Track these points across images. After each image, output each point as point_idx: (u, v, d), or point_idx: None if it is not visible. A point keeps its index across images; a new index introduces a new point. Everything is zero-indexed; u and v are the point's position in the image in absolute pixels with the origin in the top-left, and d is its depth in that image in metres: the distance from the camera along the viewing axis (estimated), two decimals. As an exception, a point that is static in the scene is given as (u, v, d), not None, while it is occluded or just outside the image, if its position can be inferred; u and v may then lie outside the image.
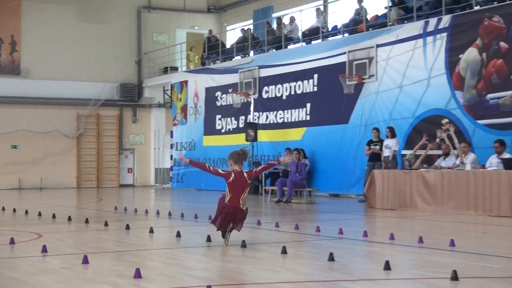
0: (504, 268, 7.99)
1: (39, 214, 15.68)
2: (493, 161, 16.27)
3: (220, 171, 10.01)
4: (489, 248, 9.80)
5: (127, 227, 12.59)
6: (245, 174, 9.68)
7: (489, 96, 19.12)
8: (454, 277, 6.93)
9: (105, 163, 34.04)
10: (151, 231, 11.87)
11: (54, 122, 32.59)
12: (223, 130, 29.42)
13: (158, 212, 16.45)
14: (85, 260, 8.07)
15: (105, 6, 33.98)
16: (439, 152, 18.83)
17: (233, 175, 9.51)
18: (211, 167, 10.29)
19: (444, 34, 20.35)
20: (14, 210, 16.81)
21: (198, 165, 11.06)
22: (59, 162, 32.75)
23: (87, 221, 13.92)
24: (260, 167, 10.70)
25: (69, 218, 14.48)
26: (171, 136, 33.19)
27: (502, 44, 18.83)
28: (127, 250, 9.73)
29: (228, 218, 9.25)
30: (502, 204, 15.06)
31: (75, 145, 33.24)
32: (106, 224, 13.16)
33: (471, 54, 19.60)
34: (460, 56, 19.84)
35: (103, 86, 33.61)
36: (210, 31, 33.88)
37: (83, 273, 7.58)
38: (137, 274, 7.08)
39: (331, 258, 8.33)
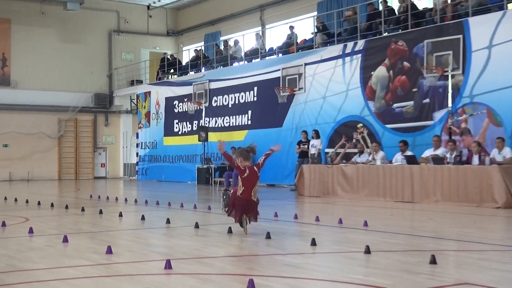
0: (406, 243, 8.19)
1: (27, 201, 15.49)
2: (398, 158, 16.58)
3: (240, 166, 9.07)
4: (395, 227, 10.01)
5: (100, 212, 12.56)
6: (255, 168, 9.09)
7: (395, 105, 19.43)
8: (367, 250, 7.09)
9: (81, 159, 33.79)
10: (120, 215, 11.86)
11: (39, 125, 32.26)
12: (179, 132, 29.34)
13: (126, 200, 16.38)
14: (65, 239, 8.08)
15: (82, 29, 33.70)
16: (355, 150, 19.08)
17: (247, 171, 8.83)
18: (235, 162, 9.31)
19: (359, 55, 20.61)
20: (5, 198, 16.55)
21: (227, 157, 10.00)
22: (43, 158, 32.42)
23: (66, 207, 13.83)
24: (262, 158, 9.82)
25: (52, 205, 14.38)
26: (137, 137, 33.10)
27: (405, 63, 19.16)
28: (100, 231, 9.71)
29: (242, 209, 8.64)
30: (405, 192, 15.36)
31: (57, 144, 32.93)
32: (82, 210, 13.12)
33: (380, 71, 19.89)
34: (372, 73, 20.12)
35: (80, 96, 33.34)
36: (165, 53, 34.01)
37: (63, 250, 7.58)
38: (109, 251, 7.13)
39: (268, 236, 8.47)
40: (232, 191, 9.14)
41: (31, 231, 9.05)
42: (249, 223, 8.67)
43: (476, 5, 18.08)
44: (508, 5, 17.51)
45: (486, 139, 16.39)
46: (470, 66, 17.44)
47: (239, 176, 9.01)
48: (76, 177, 33.08)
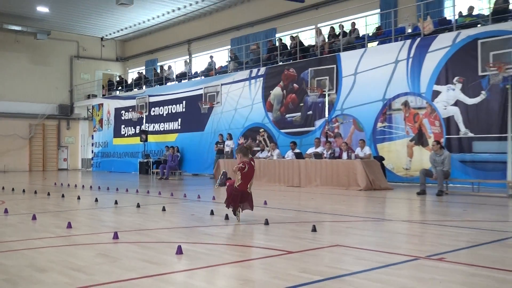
0: (295, 216, 8.30)
1: (3, 188, 14.78)
2: (289, 154, 16.84)
3: (241, 168, 7.71)
4: (286, 205, 10.13)
5: (63, 196, 12.16)
6: (253, 163, 7.89)
7: (287, 115, 19.74)
8: (266, 222, 7.16)
9: (48, 155, 32.71)
10: (79, 198, 11.51)
11: (14, 128, 31.02)
12: (125, 135, 28.85)
13: (83, 186, 15.91)
14: (34, 217, 7.83)
15: (49, 54, 32.66)
16: (259, 148, 19.25)
17: (247, 166, 7.67)
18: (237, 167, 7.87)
19: (261, 78, 20.82)
20: (-14, 186, 15.84)
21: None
22: (17, 154, 31.18)
23: (35, 192, 13.30)
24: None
25: (23, 191, 13.82)
26: (92, 138, 32.38)
27: (295, 85, 19.49)
28: (62, 210, 9.37)
29: (237, 200, 7.59)
30: (294, 179, 15.62)
31: (28, 144, 31.73)
32: (48, 194, 12.65)
33: (277, 90, 20.14)
34: (270, 91, 20.36)
35: (47, 106, 32.33)
36: (114, 76, 33.31)
37: (32, 226, 7.28)
38: (69, 225, 6.95)
39: (192, 214, 8.41)
40: (228, 184, 8.01)
41: (6, 211, 8.71)
42: (242, 212, 7.76)
43: (345, 43, 18.60)
44: (368, 44, 18.11)
45: (352, 141, 16.91)
46: (341, 88, 17.92)
47: (238, 171, 7.74)
48: (43, 169, 32.03)
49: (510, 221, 7.87)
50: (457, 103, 15.06)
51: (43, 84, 32.37)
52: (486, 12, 16.04)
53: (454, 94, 15.13)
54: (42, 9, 27.92)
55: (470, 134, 14.75)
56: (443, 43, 15.42)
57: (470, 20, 15.69)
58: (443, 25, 16.30)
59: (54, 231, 6.73)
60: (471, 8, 16.30)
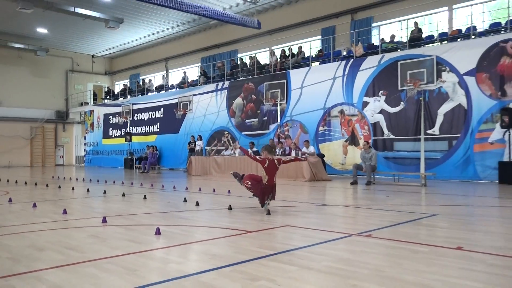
0: (254, 203, 8.26)
1: (7, 180, 14.29)
2: (248, 151, 16.85)
3: (257, 157, 7.38)
4: (247, 194, 10.10)
5: (59, 187, 11.82)
6: (275, 161, 7.31)
7: (247, 121, 19.76)
8: (230, 208, 7.13)
9: (47, 152, 31.80)
10: (73, 188, 11.24)
11: (17, 130, 30.11)
12: (113, 136, 28.26)
13: (77, 179, 15.51)
14: (34, 205, 7.58)
15: (47, 68, 31.78)
16: (223, 147, 19.17)
17: (267, 162, 7.17)
18: (251, 155, 7.79)
19: (226, 90, 20.78)
20: (-8, 179, 15.22)
21: (243, 150, 8.34)
22: (20, 152, 30.27)
23: (36, 184, 12.90)
24: (286, 159, 8.04)
25: (25, 183, 13.39)
26: (85, 139, 31.56)
27: (253, 96, 19.53)
28: (59, 199, 9.10)
29: (269, 193, 7.12)
30: (253, 172, 15.62)
31: (29, 143, 30.75)
32: (47, 186, 12.28)
33: (238, 100, 20.13)
34: (233, 101, 20.35)
35: (45, 111, 31.49)
36: (106, 87, 32.58)
37: (33, 212, 7.03)
38: (64, 212, 6.76)
39: (169, 201, 8.31)
40: (249, 183, 7.34)
41: (10, 200, 8.41)
42: (269, 203, 7.17)
43: (294, 63, 18.76)
44: (312, 64, 18.32)
45: (299, 141, 17.07)
46: (290, 99, 18.06)
47: (262, 167, 7.24)
48: (43, 164, 31.11)
49: (423, 204, 8.09)
50: (381, 111, 15.41)
51: (43, 93, 31.53)
52: (404, 39, 16.49)
53: (379, 104, 15.48)
54: (42, 30, 27.17)
55: (392, 136, 15.12)
56: (371, 64, 15.75)
57: (392, 45, 16.09)
58: (371, 49, 16.65)
59: (51, 217, 6.53)
60: (392, 36, 16.71)
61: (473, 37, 14.39)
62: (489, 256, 4.03)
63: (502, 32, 13.74)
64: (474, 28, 14.68)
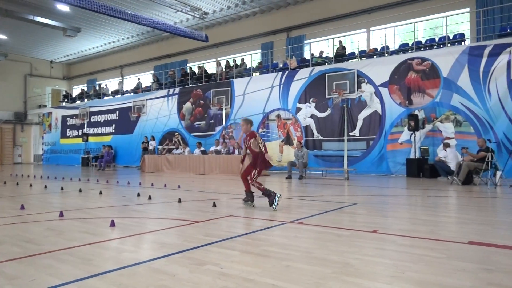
0: (200, 196, 8.16)
1: (-35, 178, 13.18)
2: (197, 151, 16.64)
3: (256, 148, 6.28)
4: (194, 187, 9.98)
5: (17, 184, 11.06)
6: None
7: (196, 123, 19.50)
8: (180, 200, 6.99)
9: (5, 151, 29.57)
10: (31, 185, 10.55)
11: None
12: (70, 136, 26.82)
13: (35, 176, 14.58)
14: (-7, 201, 6.98)
15: (6, 72, 29.58)
16: (174, 147, 18.79)
17: (257, 136, 6.23)
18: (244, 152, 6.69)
19: (176, 96, 20.38)
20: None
21: (243, 156, 6.91)
22: (-23, 151, 27.97)
23: (-6, 181, 12.01)
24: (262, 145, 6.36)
25: (-17, 180, 12.41)
26: (43, 139, 29.59)
27: (201, 101, 19.30)
28: (17, 195, 8.50)
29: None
30: (200, 169, 15.46)
31: (-13, 143, 28.58)
32: (5, 183, 11.45)
33: (188, 105, 19.82)
34: (183, 105, 20.00)
35: (4, 113, 29.32)
36: (65, 91, 30.87)
37: (-9, 208, 6.53)
38: (22, 207, 6.31)
39: (123, 196, 8.02)
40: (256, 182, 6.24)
41: (-33, 197, 7.74)
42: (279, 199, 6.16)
43: (237, 72, 18.76)
44: (253, 74, 18.41)
45: (242, 141, 17.06)
46: (234, 104, 18.05)
47: (253, 139, 6.26)
48: (1, 163, 28.89)
49: (345, 195, 8.35)
50: (312, 116, 15.78)
51: (2, 95, 29.33)
52: (331, 55, 16.99)
53: (310, 110, 15.84)
54: (1, 36, 25.20)
55: (321, 137, 15.52)
56: (303, 75, 16.09)
57: (320, 60, 16.52)
58: (303, 63, 17.01)
59: (9, 212, 6.08)
60: (321, 52, 17.16)
61: (386, 54, 15.11)
62: (398, 238, 4.24)
63: (409, 51, 14.53)
64: (387, 47, 15.42)
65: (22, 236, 4.40)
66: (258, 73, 18.56)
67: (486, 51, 12.26)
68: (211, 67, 22.58)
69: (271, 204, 6.11)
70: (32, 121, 31.36)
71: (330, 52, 17.77)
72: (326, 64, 16.04)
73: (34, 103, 31.12)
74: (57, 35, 24.57)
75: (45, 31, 23.78)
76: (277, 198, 6.09)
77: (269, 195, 6.14)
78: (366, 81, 14.51)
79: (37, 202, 7.43)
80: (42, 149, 29.71)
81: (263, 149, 6.19)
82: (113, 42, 26.61)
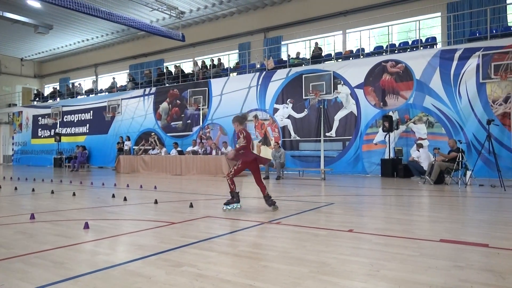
0: (177, 197, 8.08)
1: None
2: (173, 151, 16.46)
3: (240, 145, 6.03)
4: (171, 188, 9.88)
5: (-15, 186, 10.67)
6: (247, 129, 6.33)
7: (172, 123, 19.31)
8: (156, 202, 6.89)
9: (-28, 152, 28.50)
10: (0, 187, 10.18)
11: None
12: (42, 136, 26.02)
13: (4, 177, 14.08)
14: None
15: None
16: (150, 147, 18.54)
17: (244, 133, 6.12)
18: (248, 146, 6.12)
19: (152, 96, 20.12)
20: None
21: (239, 149, 6.03)
22: None
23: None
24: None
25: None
26: (13, 139, 28.61)
27: (178, 101, 19.13)
28: (-15, 197, 8.21)
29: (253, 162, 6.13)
30: (177, 169, 15.30)
31: (-47, 143, 27.39)
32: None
33: (164, 105, 19.61)
34: (160, 105, 19.77)
35: (-29, 112, 28.10)
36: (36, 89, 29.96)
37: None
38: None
39: (98, 197, 7.85)
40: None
41: None
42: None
43: (214, 73, 18.69)
44: (230, 74, 18.38)
45: (219, 142, 17.04)
46: (211, 104, 17.97)
47: (244, 139, 6.04)
48: (-33, 163, 27.82)
49: (322, 195, 8.44)
50: (289, 117, 15.89)
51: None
52: (308, 56, 17.15)
53: (287, 110, 15.95)
54: (-33, 32, 24.23)
55: (298, 138, 15.64)
56: (280, 76, 16.17)
57: (297, 61, 16.65)
58: (280, 64, 17.10)
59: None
60: (298, 53, 17.30)
61: (361, 57, 15.36)
62: (373, 237, 4.32)
63: (384, 54, 14.83)
64: (363, 49, 15.68)
65: (-10, 239, 4.25)
66: (236, 73, 18.54)
67: (457, 55, 12.64)
68: (188, 67, 22.41)
69: (225, 204, 6.19)
70: (1, 120, 30.31)
71: (307, 54, 17.93)
72: (303, 65, 16.18)
73: (4, 101, 30.06)
74: (28, 32, 23.84)
75: (15, 27, 23.03)
76: (235, 206, 6.16)
77: (233, 197, 6.17)
78: (342, 83, 14.72)
79: (7, 205, 7.19)
80: (12, 149, 28.77)
81: (243, 143, 6.04)
82: (87, 40, 26.05)
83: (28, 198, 8.23)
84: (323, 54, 16.56)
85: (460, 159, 9.99)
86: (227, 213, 5.99)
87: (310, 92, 15.16)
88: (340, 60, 15.80)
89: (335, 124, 14.75)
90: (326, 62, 15.94)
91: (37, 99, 28.07)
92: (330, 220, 5.30)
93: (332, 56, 16.25)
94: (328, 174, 13.80)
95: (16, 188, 9.87)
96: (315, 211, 6.07)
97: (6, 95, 30.13)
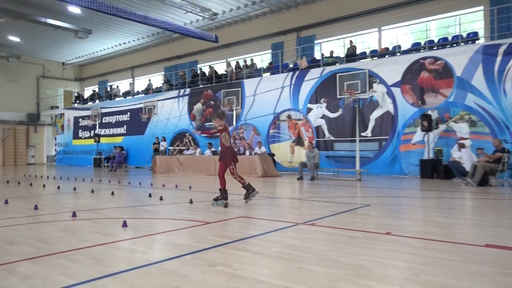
0: (212, 197, 8.17)
1: (-21, 179, 13.42)
2: (207, 152, 16.67)
3: (215, 131, 7.00)
4: (206, 189, 10.00)
5: (31, 184, 11.21)
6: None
7: (206, 124, 19.56)
8: (191, 201, 7.02)
9: (19, 152, 29.92)
10: (44, 186, 10.69)
11: (-12, 132, 28.26)
12: (82, 137, 27.12)
13: (48, 177, 14.77)
14: (6, 202, 7.14)
15: (19, 73, 29.94)
16: (185, 147, 18.87)
17: (227, 127, 7.02)
18: (211, 131, 7.22)
19: (187, 97, 20.48)
20: (-36, 178, 14.18)
21: (205, 132, 8.08)
22: (-9, 152, 28.46)
23: (8, 182, 12.16)
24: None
25: (-3, 181, 12.61)
26: (55, 140, 29.94)
27: (212, 102, 19.36)
28: (30, 196, 8.61)
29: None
30: (212, 170, 15.48)
31: (1, 144, 28.82)
32: (19, 183, 11.61)
33: (198, 106, 19.89)
34: (194, 106, 20.09)
35: (17, 114, 29.64)
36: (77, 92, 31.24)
37: (4, 208, 6.62)
38: (35, 207, 6.40)
39: (135, 196, 8.07)
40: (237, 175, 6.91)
41: (-19, 197, 7.87)
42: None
43: (248, 73, 18.78)
44: (263, 74, 18.41)
45: (252, 142, 17.10)
46: (245, 104, 18.06)
47: (225, 133, 6.86)
48: (15, 164, 29.29)
49: (358, 196, 8.30)
50: (323, 117, 15.72)
51: (15, 97, 29.67)
52: (342, 55, 16.91)
53: (321, 110, 15.79)
54: (14, 38, 25.54)
55: (332, 138, 15.45)
56: (314, 75, 16.03)
57: (331, 60, 16.44)
58: (314, 63, 16.95)
59: (23, 212, 6.17)
60: (332, 52, 17.08)
61: (398, 54, 14.98)
62: (413, 240, 4.19)
63: (422, 50, 14.38)
64: (399, 47, 15.28)
65: (35, 236, 4.46)
66: (269, 73, 18.55)
67: (501, 50, 12.07)
68: (221, 68, 22.64)
69: (245, 197, 7.00)
70: (45, 122, 31.77)
71: (340, 52, 17.68)
72: (337, 64, 15.97)
73: (47, 104, 31.54)
74: (69, 37, 24.88)
75: (57, 33, 24.09)
76: (254, 194, 6.96)
77: (248, 190, 6.96)
78: (378, 81, 14.41)
79: (50, 203, 7.52)
80: (55, 150, 30.09)
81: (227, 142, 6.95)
82: (124, 43, 26.85)
83: (70, 197, 8.58)
84: (357, 52, 16.28)
85: (506, 159, 9.53)
86: (261, 214, 5.99)
87: (345, 91, 14.94)
88: (376, 58, 15.47)
89: (371, 123, 14.46)
90: (361, 61, 15.66)
91: (78, 101, 29.26)
92: (367, 222, 5.20)
93: (367, 54, 15.94)
94: (364, 175, 13.56)
95: (59, 187, 10.31)
96: (351, 213, 5.98)
97: (49, 98, 31.61)
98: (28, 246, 4.01)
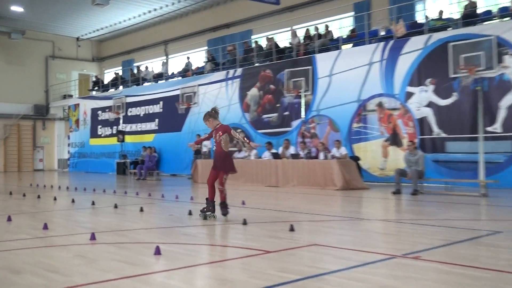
0: (273, 216, 8.25)
1: (-23, 189, 14.52)
2: (266, 154, 16.79)
3: (203, 137, 8.35)
4: (264, 205, 10.08)
5: (38, 197, 11.93)
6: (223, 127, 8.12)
7: (264, 116, 19.74)
8: (244, 222, 7.10)
9: (24, 155, 32.08)
10: (55, 199, 11.32)
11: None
12: (102, 135, 28.50)
13: (59, 187, 15.65)
14: (9, 219, 7.64)
15: (23, 54, 32.03)
16: (236, 149, 19.20)
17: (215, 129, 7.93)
18: (207, 135, 8.34)
19: (238, 79, 20.79)
20: (-41, 187, 15.41)
21: (200, 140, 9.10)
22: (-8, 155, 30.71)
23: (10, 193, 13.01)
24: (239, 136, 8.56)
25: (-1, 192, 13.57)
26: (68, 139, 31.80)
27: (271, 86, 19.51)
28: (38, 211, 9.17)
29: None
30: (272, 179, 15.54)
31: (3, 144, 31.03)
32: (24, 195, 12.38)
33: (253, 91, 20.14)
34: (247, 92, 20.35)
35: (22, 106, 31.72)
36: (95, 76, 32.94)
37: (7, 227, 7.11)
38: (45, 226, 6.79)
39: (171, 214, 8.31)
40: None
41: (-20, 212, 8.50)
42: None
43: (320, 45, 18.68)
44: (342, 46, 18.21)
45: (328, 141, 16.97)
46: (317, 89, 17.98)
47: (226, 134, 7.82)
48: (18, 169, 31.38)
49: (483, 219, 7.98)
50: (430, 104, 15.25)
51: (18, 84, 31.71)
52: (456, 16, 16.28)
53: (426, 95, 15.32)
54: (17, 8, 27.34)
55: (443, 135, 14.95)
56: (415, 46, 15.59)
57: (440, 23, 15.91)
58: (415, 28, 16.49)
59: (29, 232, 6.57)
60: (441, 12, 16.53)
61: (543, 11, 14.17)
62: None
63: None
64: (545, 0, 14.44)
65: (45, 263, 4.72)
66: (350, 45, 18.29)
67: None
68: (284, 39, 22.70)
69: (202, 210, 7.73)
70: (55, 116, 33.75)
71: (454, 12, 17.06)
72: (449, 29, 15.44)
73: (58, 93, 33.46)
74: (85, 5, 26.06)
75: (69, 0, 25.48)
76: (211, 216, 7.62)
77: (210, 206, 7.63)
78: (511, 52, 13.74)
79: (63, 221, 7.95)
80: (68, 152, 31.86)
81: (245, 141, 8.03)
82: (154, 10, 27.76)
83: (87, 213, 9.01)
84: (479, 12, 15.61)
85: None
86: (342, 241, 5.92)
87: (461, 67, 14.37)
88: (508, 19, 14.74)
89: (502, 114, 13.85)
90: (485, 23, 15.02)
91: (96, 87, 30.76)
92: (496, 257, 5.01)
93: (495, 13, 15.23)
94: (492, 188, 12.96)
95: (73, 201, 10.86)
96: (473, 243, 5.80)
97: (61, 85, 33.48)
98: (37, 276, 4.26)
